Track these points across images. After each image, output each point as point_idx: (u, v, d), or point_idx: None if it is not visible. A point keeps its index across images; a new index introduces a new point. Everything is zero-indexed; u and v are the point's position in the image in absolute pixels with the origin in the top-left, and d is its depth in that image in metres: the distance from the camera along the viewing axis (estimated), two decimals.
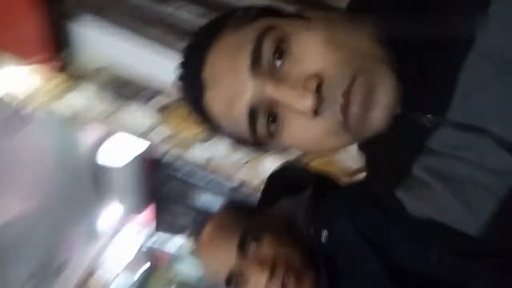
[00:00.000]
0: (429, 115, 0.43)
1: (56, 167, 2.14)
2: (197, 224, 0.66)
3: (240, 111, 0.41)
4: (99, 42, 1.30)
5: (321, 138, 0.41)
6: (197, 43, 0.46)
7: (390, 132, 0.41)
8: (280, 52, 0.40)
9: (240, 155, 1.30)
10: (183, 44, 1.09)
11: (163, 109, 1.31)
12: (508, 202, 0.41)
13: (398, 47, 0.41)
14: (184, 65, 0.48)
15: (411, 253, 0.53)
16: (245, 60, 0.40)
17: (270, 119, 0.42)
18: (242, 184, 2.03)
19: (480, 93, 0.40)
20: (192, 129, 1.29)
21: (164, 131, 1.33)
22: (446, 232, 0.45)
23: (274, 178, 0.75)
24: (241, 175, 1.36)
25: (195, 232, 0.65)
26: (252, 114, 0.42)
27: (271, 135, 0.43)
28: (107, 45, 1.29)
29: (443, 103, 0.42)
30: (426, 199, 0.46)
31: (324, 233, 0.59)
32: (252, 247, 0.58)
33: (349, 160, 1.25)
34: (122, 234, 3.26)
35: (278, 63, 0.40)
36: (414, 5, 0.43)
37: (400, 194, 0.48)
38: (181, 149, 1.37)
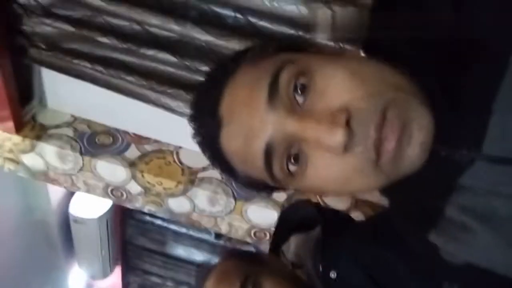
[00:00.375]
0: (462, 150, 0.39)
1: (18, 229, 1.97)
2: (200, 277, 0.68)
3: (257, 148, 0.38)
4: (67, 93, 1.23)
5: (350, 177, 0.38)
6: (214, 79, 0.44)
7: (419, 171, 0.38)
8: (301, 86, 0.37)
9: (223, 205, 1.23)
10: (157, 94, 1.07)
11: (136, 161, 1.24)
12: None
13: (426, 76, 0.38)
14: (199, 102, 0.45)
15: None
16: (262, 94, 0.38)
17: (292, 159, 0.38)
18: (225, 235, 1.94)
19: None
20: (169, 182, 1.22)
21: (137, 185, 1.25)
22: (489, 278, 0.41)
23: (286, 214, 0.75)
24: (224, 226, 1.29)
25: (199, 285, 0.66)
26: (268, 152, 0.38)
27: (290, 175, 0.39)
28: (76, 96, 1.23)
29: (478, 136, 0.39)
30: (464, 242, 0.42)
31: (332, 273, 0.58)
32: None
33: (335, 200, 1.21)
34: None
35: (300, 98, 0.38)
36: (441, 30, 0.41)
37: (433, 238, 0.44)
38: (156, 203, 1.29)
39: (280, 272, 0.63)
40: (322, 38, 0.81)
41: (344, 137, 0.35)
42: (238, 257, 0.68)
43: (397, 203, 0.50)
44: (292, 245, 0.68)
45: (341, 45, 0.78)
